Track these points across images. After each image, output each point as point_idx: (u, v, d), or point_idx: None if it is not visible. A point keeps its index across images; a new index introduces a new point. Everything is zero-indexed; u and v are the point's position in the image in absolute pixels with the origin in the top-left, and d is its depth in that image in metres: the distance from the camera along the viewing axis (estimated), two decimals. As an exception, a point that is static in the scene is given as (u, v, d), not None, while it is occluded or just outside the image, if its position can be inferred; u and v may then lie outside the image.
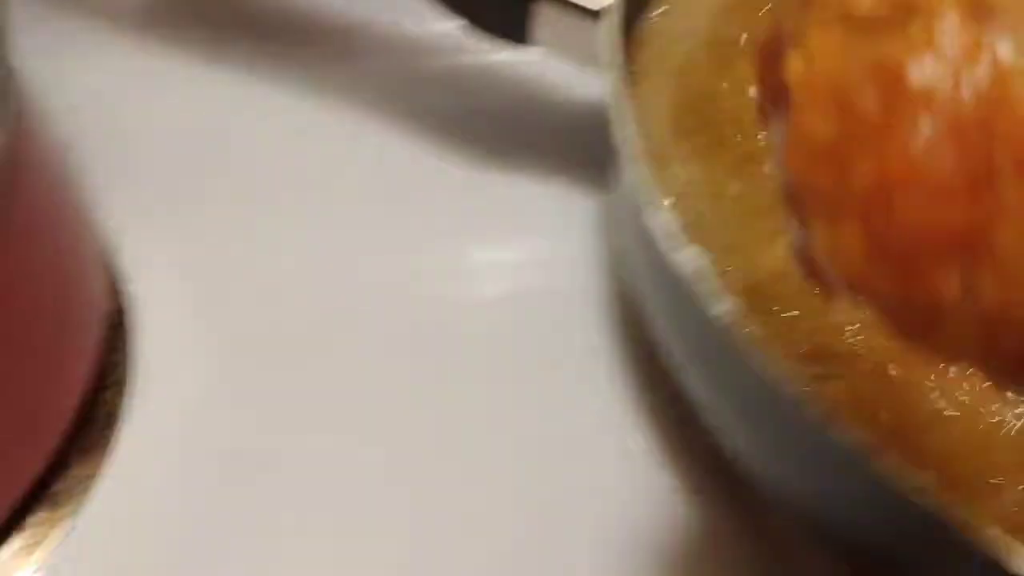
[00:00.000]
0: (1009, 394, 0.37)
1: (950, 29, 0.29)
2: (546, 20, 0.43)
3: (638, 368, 0.41)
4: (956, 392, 0.36)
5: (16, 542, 0.37)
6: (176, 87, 0.48)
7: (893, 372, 0.36)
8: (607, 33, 0.40)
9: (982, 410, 0.36)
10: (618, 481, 0.39)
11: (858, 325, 0.37)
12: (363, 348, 0.42)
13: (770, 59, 0.31)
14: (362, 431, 0.40)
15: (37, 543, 0.37)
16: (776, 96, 0.30)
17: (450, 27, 0.45)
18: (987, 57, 0.29)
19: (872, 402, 0.36)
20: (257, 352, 0.41)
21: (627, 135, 0.37)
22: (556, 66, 0.44)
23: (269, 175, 0.46)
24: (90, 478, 0.38)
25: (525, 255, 0.45)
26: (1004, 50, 0.28)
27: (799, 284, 0.33)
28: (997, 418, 0.36)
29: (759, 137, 0.40)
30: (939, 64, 0.29)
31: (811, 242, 0.29)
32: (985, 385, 0.36)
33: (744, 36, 0.42)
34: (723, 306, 0.34)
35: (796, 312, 0.37)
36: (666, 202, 0.38)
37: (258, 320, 0.42)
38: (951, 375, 0.37)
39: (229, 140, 0.46)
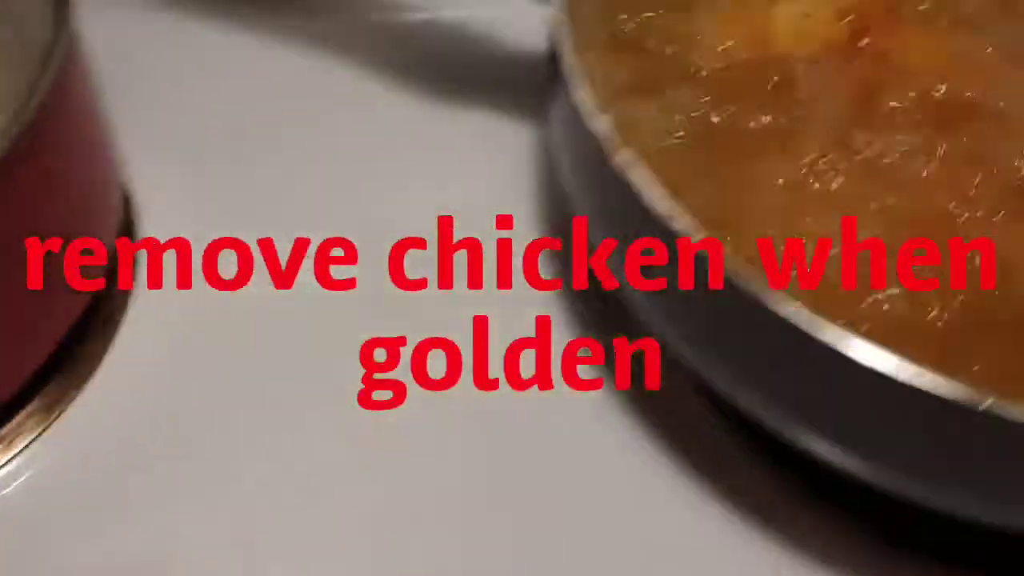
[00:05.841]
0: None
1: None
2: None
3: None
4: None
5: (32, 405, 0.45)
6: (179, 41, 0.57)
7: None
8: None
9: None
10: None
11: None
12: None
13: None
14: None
15: (49, 408, 0.45)
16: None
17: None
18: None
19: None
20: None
21: (570, 57, 0.42)
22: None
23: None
24: (97, 357, 0.46)
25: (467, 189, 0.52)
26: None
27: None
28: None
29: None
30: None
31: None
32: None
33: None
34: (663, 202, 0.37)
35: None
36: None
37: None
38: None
39: (223, 85, 0.55)
